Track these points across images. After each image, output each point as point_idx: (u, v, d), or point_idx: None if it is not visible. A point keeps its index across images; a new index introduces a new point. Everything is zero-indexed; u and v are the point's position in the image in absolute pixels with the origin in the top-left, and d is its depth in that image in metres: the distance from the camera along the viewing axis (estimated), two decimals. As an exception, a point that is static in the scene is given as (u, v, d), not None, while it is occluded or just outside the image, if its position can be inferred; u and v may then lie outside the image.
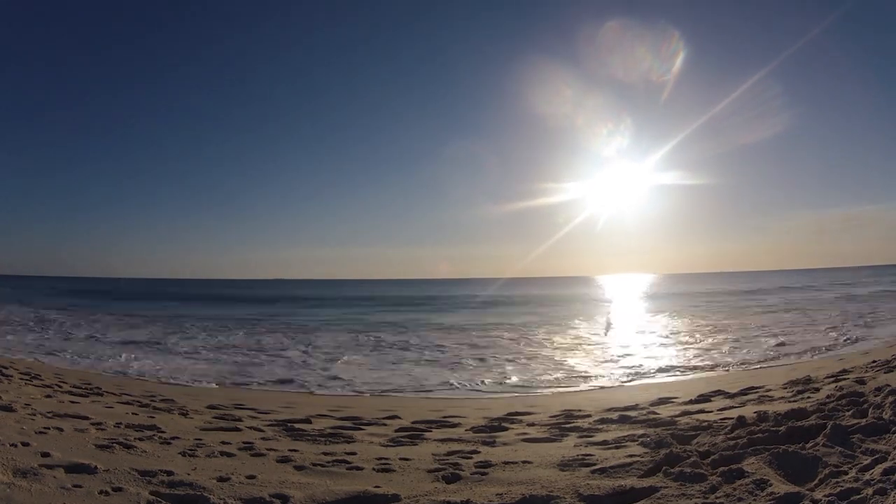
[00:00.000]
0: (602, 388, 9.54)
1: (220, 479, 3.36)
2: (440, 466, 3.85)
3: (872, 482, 2.66)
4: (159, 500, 3.00)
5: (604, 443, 4.45)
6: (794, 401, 5.73)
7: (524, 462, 3.94)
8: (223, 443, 4.51)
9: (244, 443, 4.56)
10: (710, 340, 15.41)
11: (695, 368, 11.20)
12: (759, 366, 11.03)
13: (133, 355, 13.31)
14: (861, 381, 6.08)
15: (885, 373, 6.71)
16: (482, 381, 10.20)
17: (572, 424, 5.47)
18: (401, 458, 4.10)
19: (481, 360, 12.81)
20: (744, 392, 6.91)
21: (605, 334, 20.26)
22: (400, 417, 6.27)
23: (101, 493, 3.03)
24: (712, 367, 11.21)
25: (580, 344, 15.72)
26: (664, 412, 5.89)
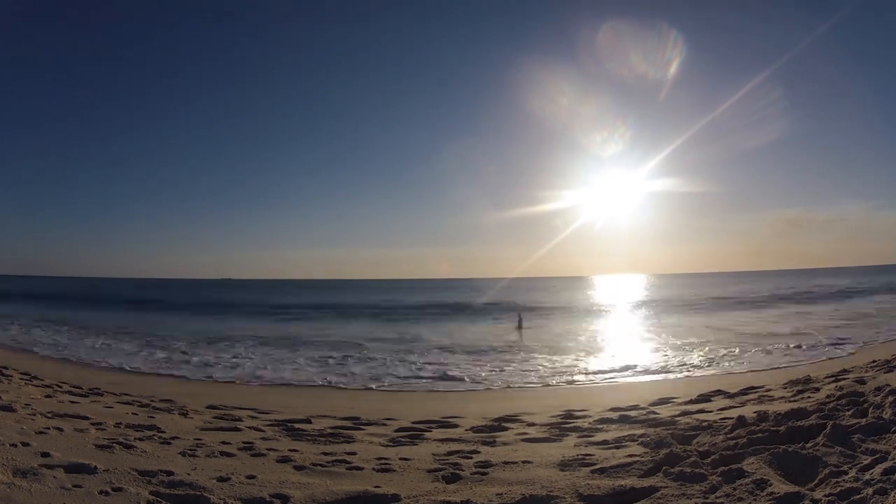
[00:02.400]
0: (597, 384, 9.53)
1: (220, 479, 3.36)
2: (440, 466, 3.85)
3: (872, 482, 2.66)
4: (159, 500, 3.00)
5: (604, 443, 4.45)
6: (794, 401, 5.73)
7: (524, 462, 3.94)
8: (223, 443, 4.51)
9: (244, 443, 4.56)
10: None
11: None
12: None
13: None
14: (861, 381, 6.09)
15: (885, 373, 6.71)
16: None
17: (572, 424, 5.47)
18: (401, 458, 4.10)
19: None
20: (744, 392, 6.92)
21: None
22: (400, 418, 6.27)
23: (101, 493, 3.03)
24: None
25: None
26: (664, 412, 5.89)
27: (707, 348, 13.92)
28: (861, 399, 4.65)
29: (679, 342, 15.64)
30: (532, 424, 5.65)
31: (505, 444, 4.71)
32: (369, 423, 5.87)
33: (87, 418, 5.21)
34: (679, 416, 5.52)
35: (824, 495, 2.62)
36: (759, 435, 3.78)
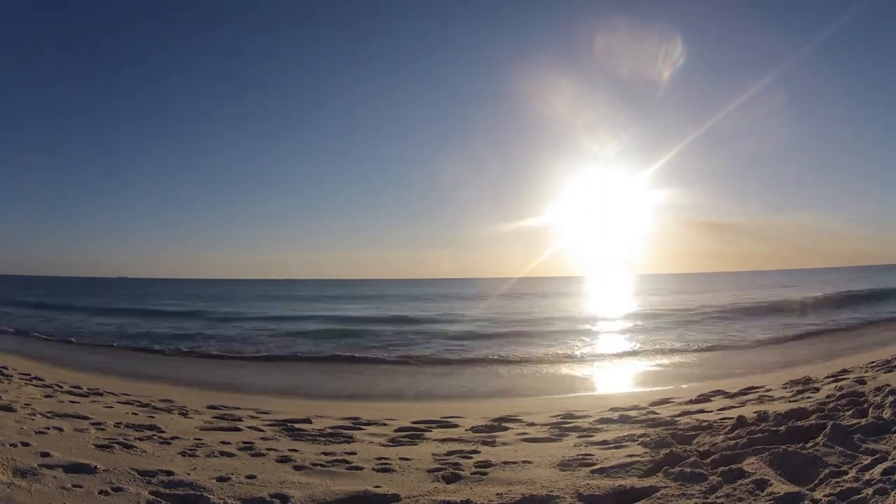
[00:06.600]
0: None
1: (220, 479, 3.36)
2: (440, 466, 3.86)
3: (873, 482, 2.66)
4: (159, 500, 3.00)
5: (604, 443, 4.45)
6: (794, 401, 5.73)
7: (524, 462, 3.94)
8: (223, 443, 4.51)
9: (244, 443, 4.56)
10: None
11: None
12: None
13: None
14: (861, 381, 6.09)
15: (885, 373, 6.71)
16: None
17: (572, 424, 5.47)
18: (401, 458, 4.10)
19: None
20: (744, 392, 6.91)
21: None
22: (400, 417, 6.27)
23: (101, 493, 3.03)
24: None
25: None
26: (664, 412, 5.89)
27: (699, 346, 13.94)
28: (861, 399, 4.65)
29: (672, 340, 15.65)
30: (532, 424, 5.65)
31: (505, 443, 4.71)
32: (369, 423, 5.87)
33: (86, 418, 5.21)
34: (679, 416, 5.52)
35: (824, 495, 2.63)
36: (759, 435, 3.79)
